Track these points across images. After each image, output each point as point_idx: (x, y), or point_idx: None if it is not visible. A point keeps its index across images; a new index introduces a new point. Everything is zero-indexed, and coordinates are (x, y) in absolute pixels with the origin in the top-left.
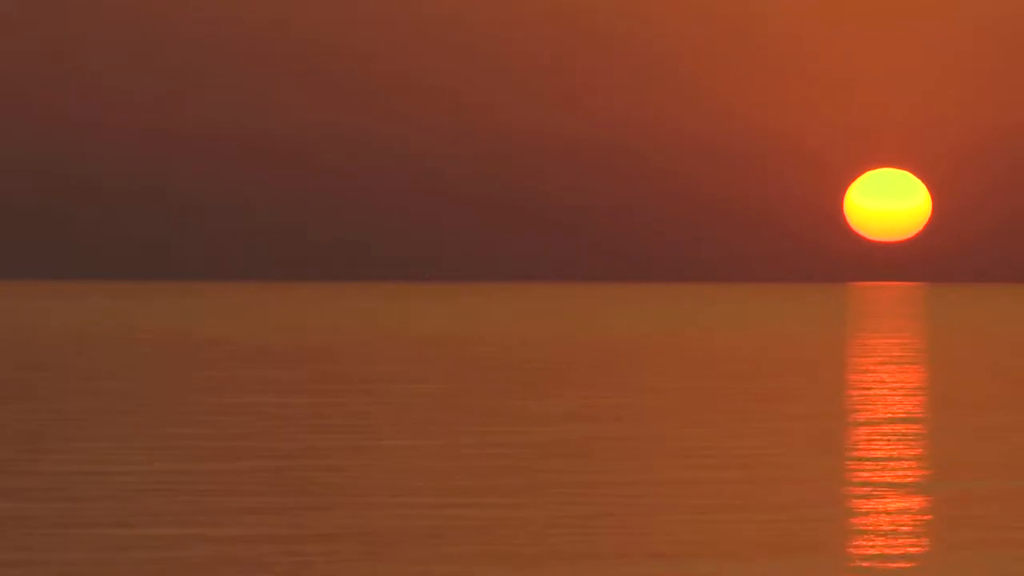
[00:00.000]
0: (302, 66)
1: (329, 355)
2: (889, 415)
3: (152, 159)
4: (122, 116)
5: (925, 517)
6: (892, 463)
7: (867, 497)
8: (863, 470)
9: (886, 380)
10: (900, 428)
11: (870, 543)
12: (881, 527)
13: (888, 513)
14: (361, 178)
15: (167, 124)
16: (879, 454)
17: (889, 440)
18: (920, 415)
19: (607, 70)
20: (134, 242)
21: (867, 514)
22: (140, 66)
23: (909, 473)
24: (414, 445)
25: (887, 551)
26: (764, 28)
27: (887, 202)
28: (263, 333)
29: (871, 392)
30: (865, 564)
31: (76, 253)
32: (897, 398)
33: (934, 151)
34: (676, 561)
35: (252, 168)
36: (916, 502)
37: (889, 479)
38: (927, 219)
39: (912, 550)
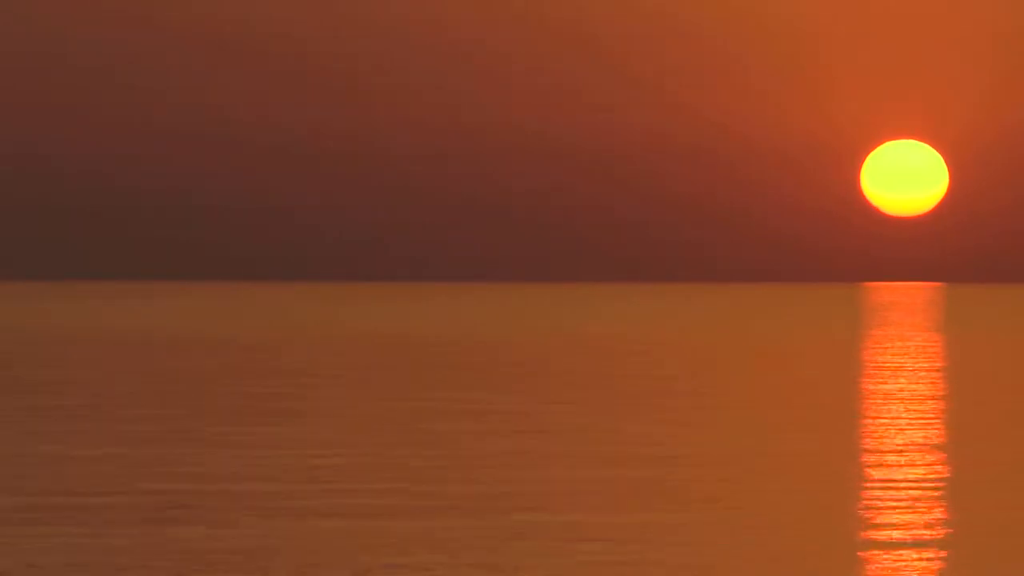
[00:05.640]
0: (291, 68)
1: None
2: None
3: (144, 160)
4: (119, 116)
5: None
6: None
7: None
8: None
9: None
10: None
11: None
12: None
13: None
14: (346, 179)
15: (159, 124)
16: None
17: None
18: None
19: (608, 73)
20: (125, 244)
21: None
22: (140, 66)
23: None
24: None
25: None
26: (761, 24)
27: (904, 169)
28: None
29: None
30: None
31: (71, 253)
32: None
33: (947, 130)
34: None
35: (245, 170)
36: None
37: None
38: (945, 190)
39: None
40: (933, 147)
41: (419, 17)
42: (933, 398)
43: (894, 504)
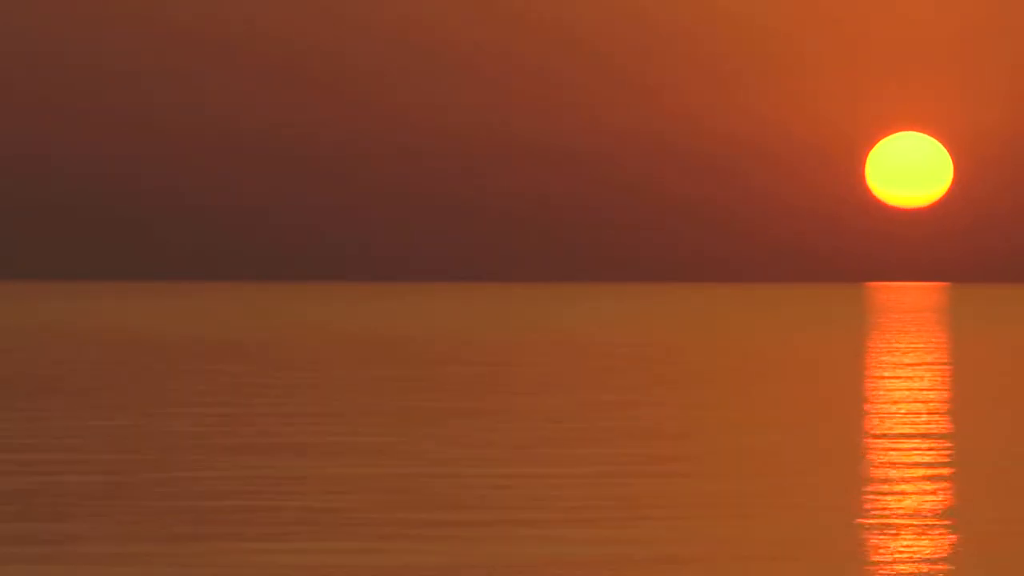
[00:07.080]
0: (286, 70)
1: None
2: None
3: (137, 158)
4: (118, 117)
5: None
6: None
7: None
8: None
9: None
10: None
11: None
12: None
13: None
14: (342, 180)
15: (156, 125)
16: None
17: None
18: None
19: (608, 75)
20: (120, 243)
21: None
22: (138, 67)
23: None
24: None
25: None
26: (763, 25)
27: (908, 162)
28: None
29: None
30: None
31: (68, 254)
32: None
33: (952, 122)
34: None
35: (244, 170)
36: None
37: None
38: (950, 179)
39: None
40: (937, 140)
41: (412, 17)
42: (938, 399)
43: (896, 509)
